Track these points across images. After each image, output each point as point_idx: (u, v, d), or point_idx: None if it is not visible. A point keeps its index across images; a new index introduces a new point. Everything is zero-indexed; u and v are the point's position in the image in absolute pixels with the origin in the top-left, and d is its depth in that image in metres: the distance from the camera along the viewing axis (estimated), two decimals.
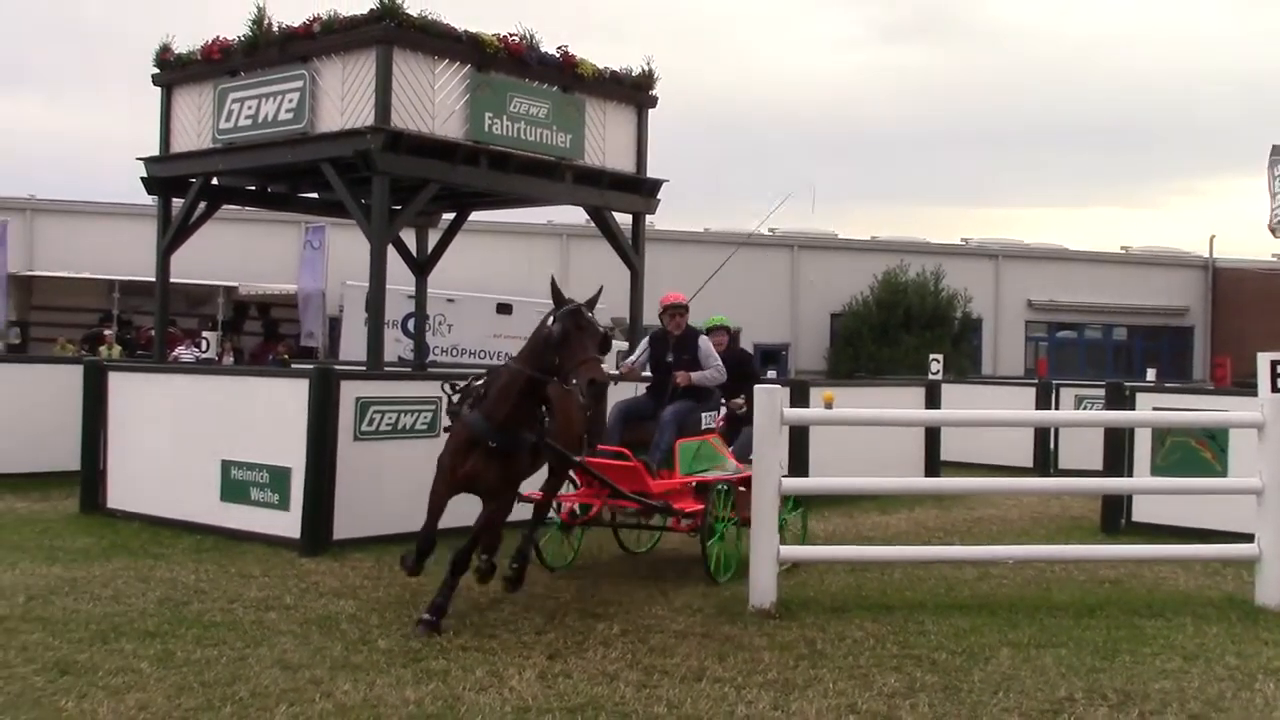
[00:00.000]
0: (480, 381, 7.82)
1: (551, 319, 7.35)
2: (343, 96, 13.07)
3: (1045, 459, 17.42)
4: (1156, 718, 5.86)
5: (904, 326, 34.31)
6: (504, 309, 28.62)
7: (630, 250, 15.20)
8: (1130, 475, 11.64)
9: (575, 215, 16.45)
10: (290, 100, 13.44)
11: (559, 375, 7.28)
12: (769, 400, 8.21)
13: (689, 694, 6.01)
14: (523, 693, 5.93)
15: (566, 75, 14.27)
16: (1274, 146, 42.22)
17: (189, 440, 10.96)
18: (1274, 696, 6.23)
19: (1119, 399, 12.08)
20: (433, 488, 7.61)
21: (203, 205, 15.47)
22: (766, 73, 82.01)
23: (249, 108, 13.84)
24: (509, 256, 32.70)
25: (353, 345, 24.89)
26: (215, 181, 15.33)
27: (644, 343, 9.87)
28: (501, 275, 30.72)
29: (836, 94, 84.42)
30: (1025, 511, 13.47)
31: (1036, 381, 19.43)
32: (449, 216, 17.66)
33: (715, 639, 7.17)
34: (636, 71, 15.20)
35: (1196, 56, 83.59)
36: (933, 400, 14.69)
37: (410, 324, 19.69)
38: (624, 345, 16.20)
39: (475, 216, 18.58)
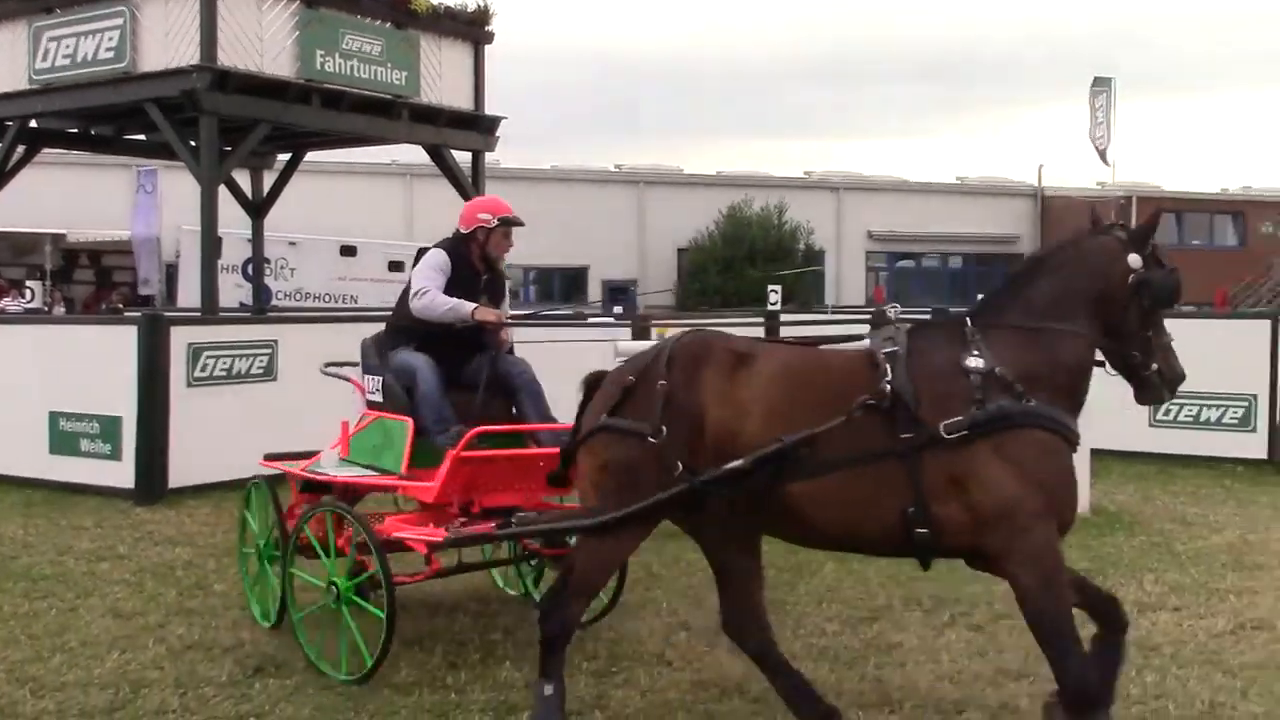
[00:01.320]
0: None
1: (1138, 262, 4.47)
2: (166, 33, 12.68)
3: None
4: (965, 618, 6.24)
5: (749, 260, 34.88)
6: (348, 251, 28.16)
7: (471, 189, 15.13)
8: None
9: (419, 154, 16.29)
10: (110, 38, 12.98)
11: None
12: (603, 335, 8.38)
13: (526, 619, 6.15)
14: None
15: (400, 11, 14.07)
16: (1095, 78, 43.90)
17: (14, 393, 10.62)
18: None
19: None
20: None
21: (21, 149, 14.88)
22: (611, 7, 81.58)
23: (67, 46, 13.32)
24: (352, 197, 32.12)
25: (191, 292, 24.24)
26: (34, 124, 14.75)
27: (434, 266, 6.16)
28: (345, 216, 30.20)
29: (680, 28, 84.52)
30: None
31: (873, 310, 20.02)
32: (284, 157, 17.30)
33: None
34: (472, 7, 15.07)
35: None
36: (771, 332, 15.02)
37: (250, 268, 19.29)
38: None
39: (315, 156, 18.24)
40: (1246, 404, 11.14)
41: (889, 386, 4.16)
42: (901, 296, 35.49)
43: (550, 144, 66.34)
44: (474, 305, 5.98)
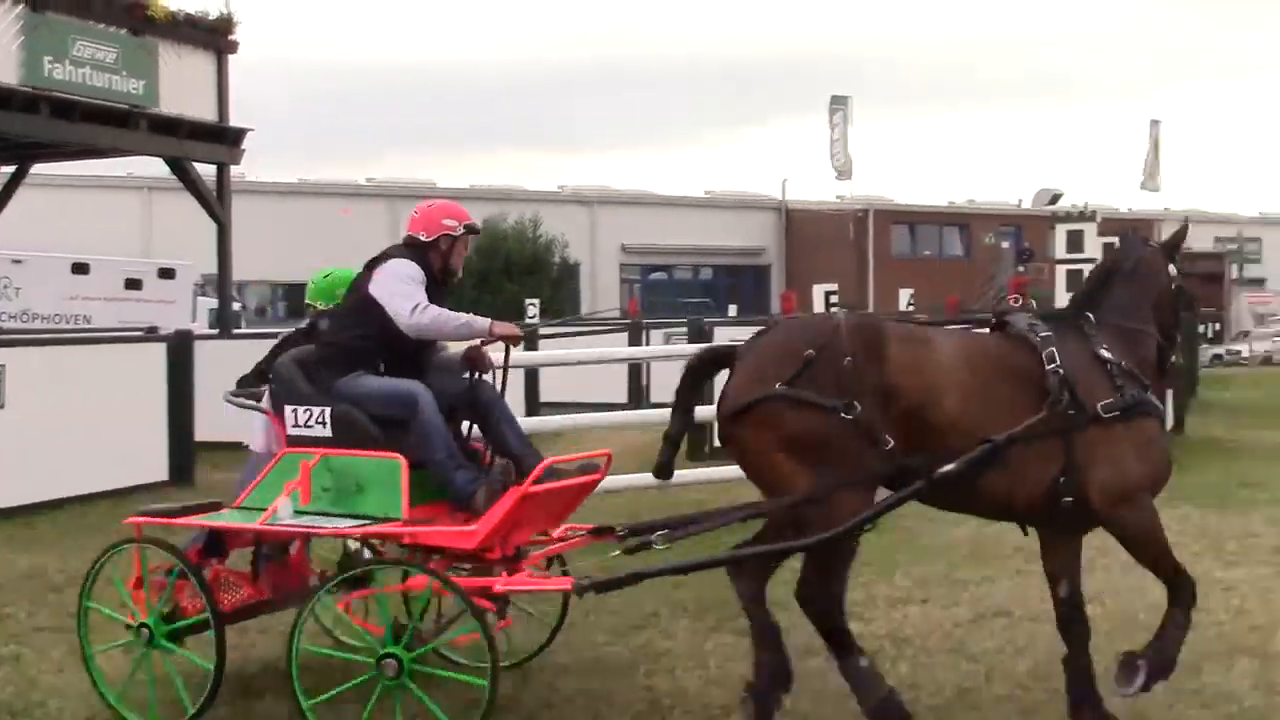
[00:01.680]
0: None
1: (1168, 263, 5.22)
2: None
3: (638, 394, 18.30)
4: (730, 623, 6.39)
5: (505, 274, 34.87)
6: (80, 269, 26.55)
7: (215, 203, 14.58)
8: (712, 404, 12.45)
9: (159, 166, 15.56)
10: None
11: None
12: None
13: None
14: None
15: (136, 17, 13.44)
16: (832, 96, 45.86)
17: None
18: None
19: (700, 334, 12.89)
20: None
21: None
22: (362, 20, 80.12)
23: None
24: (85, 212, 30.39)
25: None
26: None
27: (411, 277, 5.35)
28: (77, 232, 28.53)
29: (437, 41, 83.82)
30: (620, 444, 14.12)
31: (629, 321, 20.32)
32: (7, 170, 16.23)
33: None
34: (214, 15, 14.54)
35: (763, 9, 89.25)
36: (529, 344, 15.07)
37: None
38: (214, 303, 15.54)
39: (44, 169, 17.19)
40: None
41: (1061, 372, 4.65)
42: (658, 308, 36.11)
43: (299, 157, 64.61)
44: (488, 320, 5.36)
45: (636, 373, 18.56)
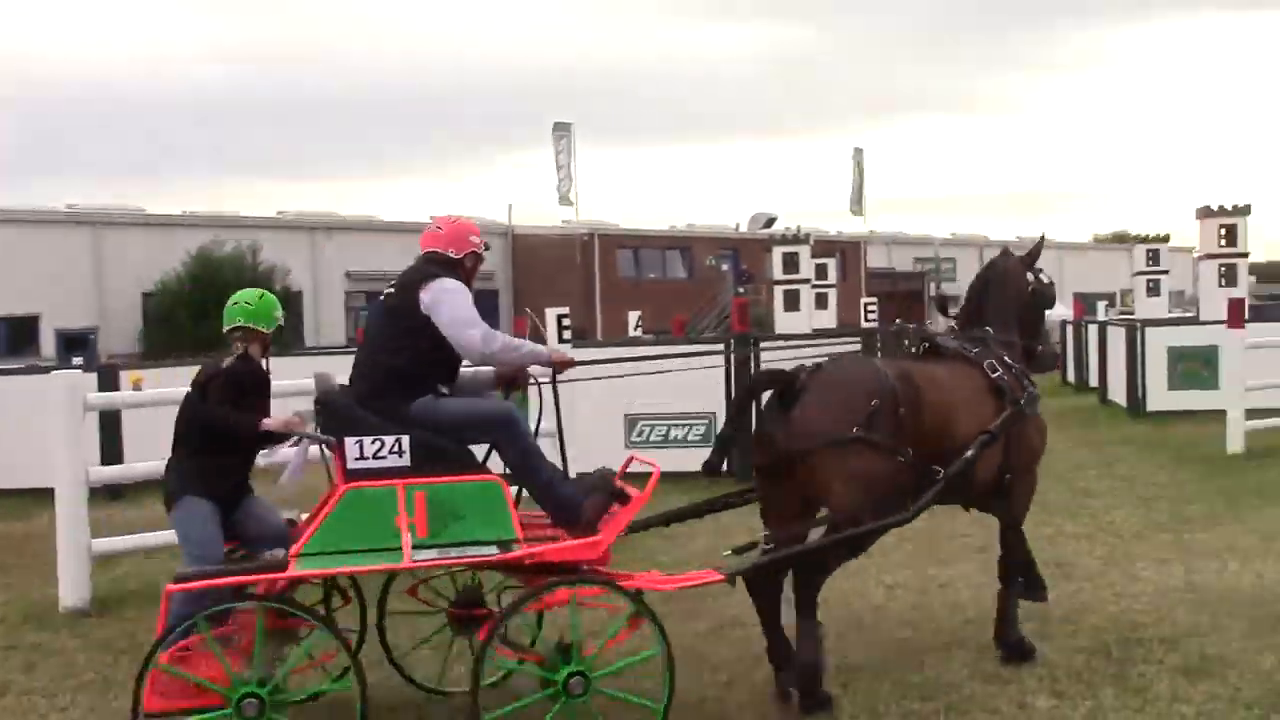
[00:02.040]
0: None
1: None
2: None
3: None
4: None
5: (221, 304, 33.49)
6: None
7: None
8: None
9: None
10: None
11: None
12: (67, 387, 7.68)
13: None
14: None
15: None
16: (555, 123, 46.38)
17: None
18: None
19: None
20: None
21: None
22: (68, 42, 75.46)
23: None
24: None
25: None
26: None
27: (470, 298, 5.25)
28: None
29: (139, 65, 79.78)
30: None
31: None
32: None
33: (21, 649, 6.62)
34: None
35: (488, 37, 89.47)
36: None
37: None
38: None
39: None
40: (707, 421, 12.20)
41: (1005, 379, 5.93)
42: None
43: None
44: (546, 347, 5.27)
45: None
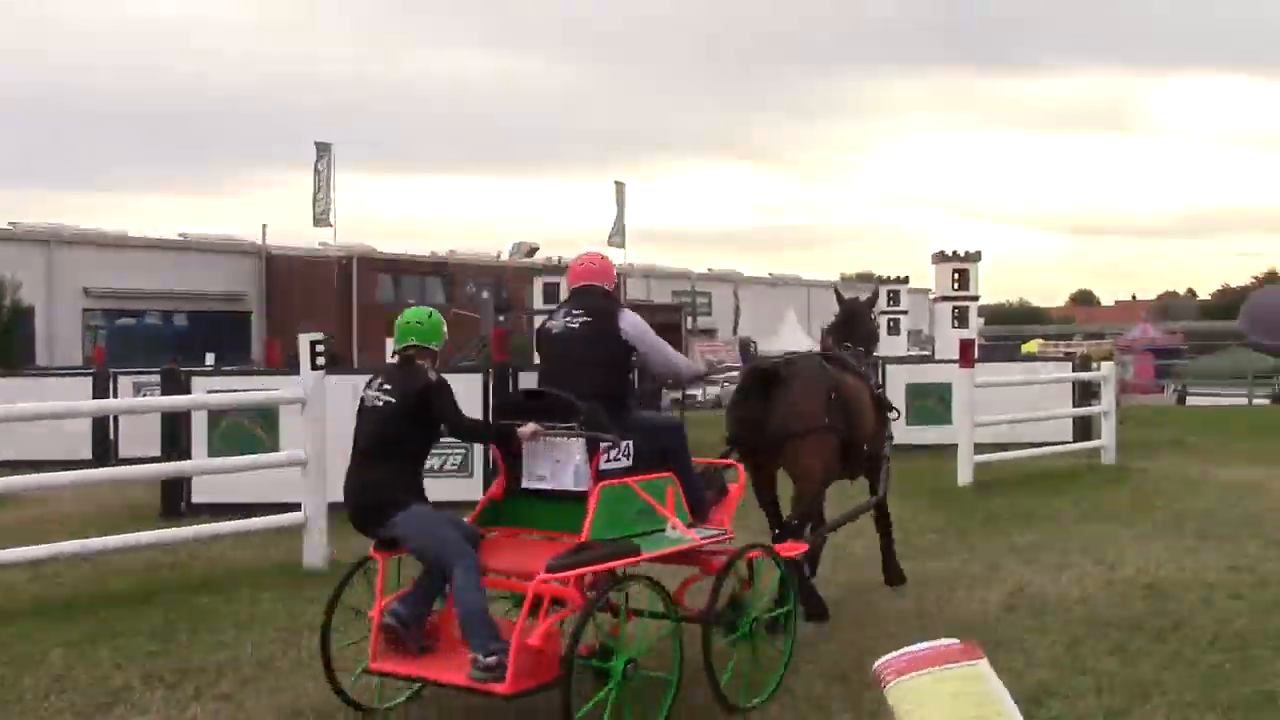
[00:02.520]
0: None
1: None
2: None
3: (105, 449, 16.97)
4: (212, 688, 6.06)
5: None
6: None
7: None
8: (189, 458, 11.80)
9: None
10: None
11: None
12: None
13: None
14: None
15: None
16: (316, 143, 45.32)
17: None
18: (317, 648, 6.76)
19: (175, 384, 12.18)
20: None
21: None
22: None
23: None
24: None
25: None
26: None
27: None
28: None
29: None
30: (85, 505, 13.00)
31: (93, 371, 18.83)
32: None
33: None
34: None
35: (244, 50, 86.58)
36: None
37: None
38: None
39: None
40: (464, 451, 12.10)
41: (881, 392, 8.41)
42: (127, 357, 33.76)
43: None
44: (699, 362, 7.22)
45: (103, 427, 17.23)
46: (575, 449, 5.68)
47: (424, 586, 5.74)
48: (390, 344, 21.28)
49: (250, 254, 43.93)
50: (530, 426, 5.70)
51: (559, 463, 5.74)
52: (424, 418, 5.72)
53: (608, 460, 5.66)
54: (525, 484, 5.88)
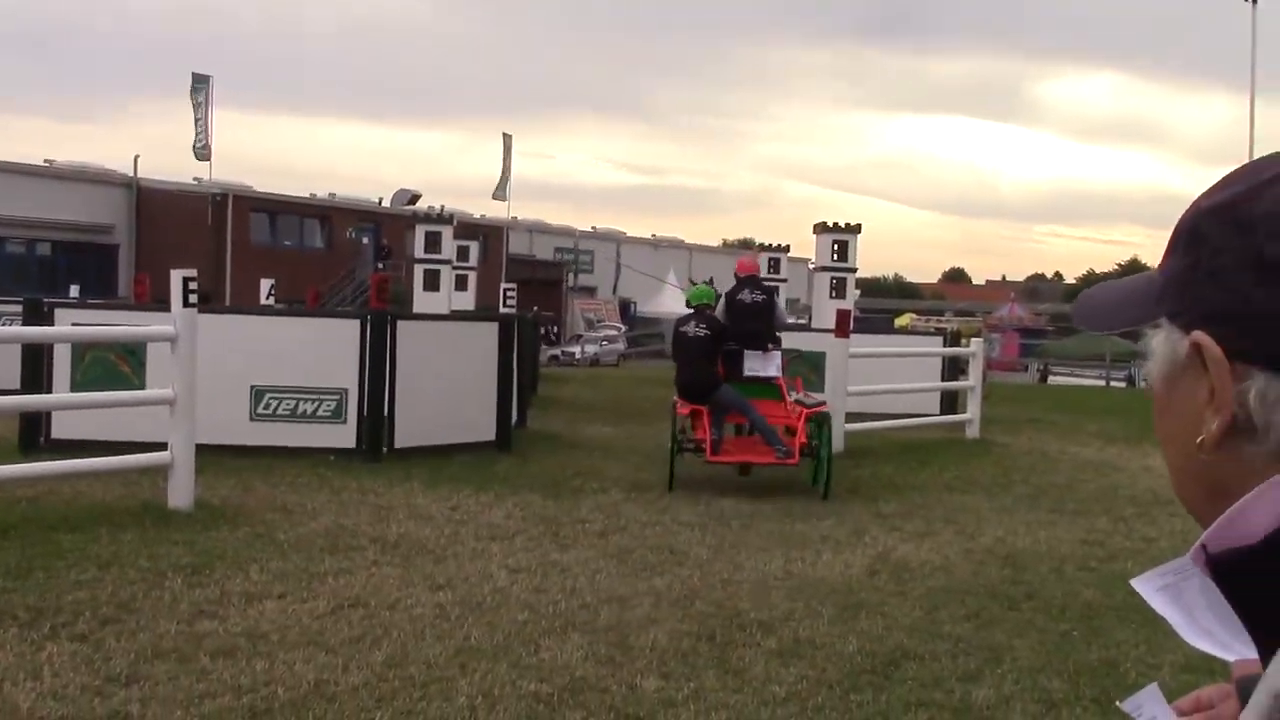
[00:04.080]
0: None
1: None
2: None
3: None
4: (68, 628, 5.90)
5: None
6: None
7: None
8: (50, 392, 11.42)
9: None
10: None
11: None
12: None
13: None
14: None
15: None
16: (194, 74, 43.92)
17: None
18: (180, 591, 6.65)
19: (37, 315, 11.75)
20: None
21: None
22: None
23: None
24: None
25: None
26: None
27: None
28: None
29: None
30: None
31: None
32: None
33: None
34: None
35: None
36: None
37: None
38: None
39: None
40: (338, 397, 11.94)
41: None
42: None
43: None
44: None
45: None
46: (775, 358, 11.67)
47: (718, 424, 11.13)
48: (265, 285, 20.79)
49: (121, 185, 42.43)
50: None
51: (766, 363, 11.52)
52: (718, 343, 11.20)
53: (780, 367, 11.76)
54: (746, 373, 11.34)
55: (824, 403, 11.68)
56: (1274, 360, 0.80)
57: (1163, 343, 0.89)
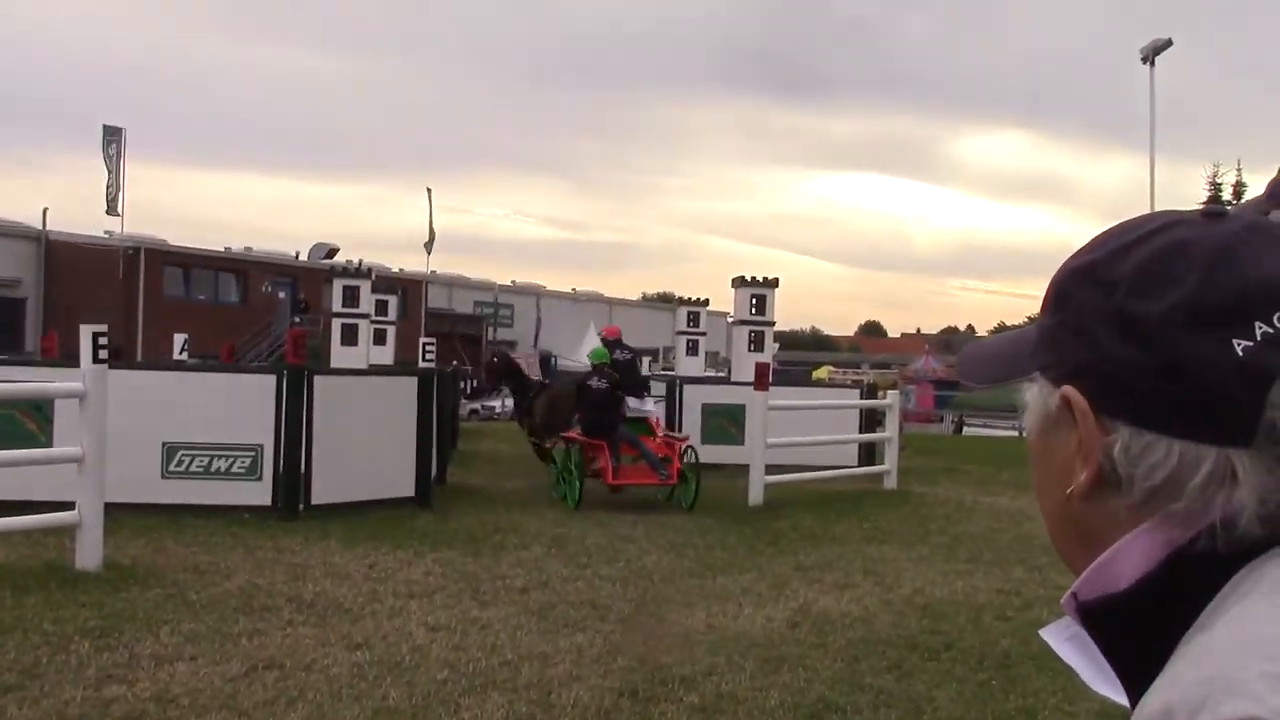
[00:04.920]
0: None
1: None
2: None
3: None
4: None
5: None
6: None
7: None
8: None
9: None
10: None
11: None
12: None
13: None
14: None
15: None
16: (105, 126, 43.31)
17: None
18: (87, 655, 6.45)
19: None
20: None
21: None
22: None
23: None
24: None
25: None
26: None
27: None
28: None
29: None
30: None
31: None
32: None
33: None
34: None
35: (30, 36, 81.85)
36: None
37: None
38: None
39: None
40: (254, 454, 11.73)
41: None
42: None
43: None
44: None
45: None
46: (649, 401, 15.13)
47: (616, 455, 13.49)
48: (179, 340, 20.64)
49: (29, 238, 41.56)
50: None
51: (643, 404, 14.62)
52: (615, 393, 13.82)
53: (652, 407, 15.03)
54: (630, 413, 14.08)
55: (688, 436, 15.12)
56: (1136, 414, 0.84)
57: (1036, 396, 0.92)
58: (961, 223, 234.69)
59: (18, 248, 41.11)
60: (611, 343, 15.45)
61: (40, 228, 41.98)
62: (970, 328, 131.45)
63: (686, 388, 18.51)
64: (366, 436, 12.29)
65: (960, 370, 1.05)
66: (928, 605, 8.57)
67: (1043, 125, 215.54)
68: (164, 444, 11.52)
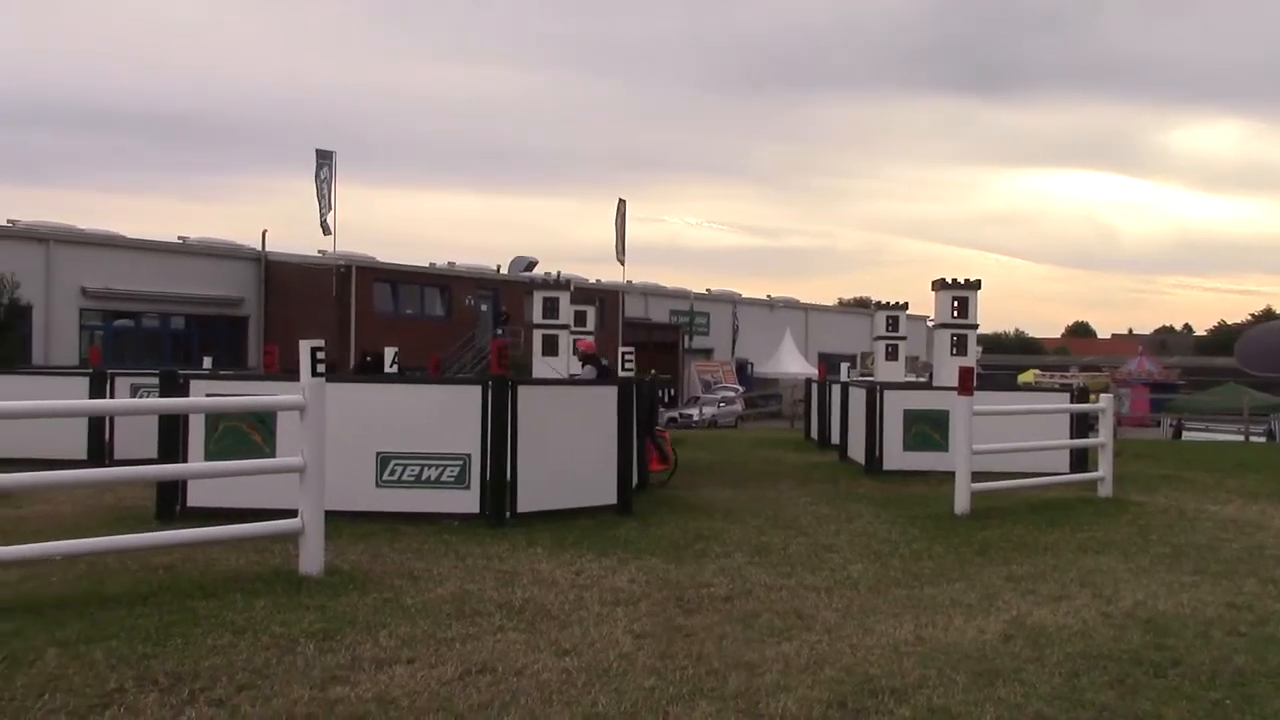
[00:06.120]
0: None
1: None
2: None
3: (99, 450, 16.92)
4: (206, 693, 6.01)
5: None
6: None
7: None
8: (185, 461, 11.76)
9: None
10: None
11: None
12: None
13: None
14: None
15: None
16: (317, 151, 45.32)
17: None
18: (312, 656, 6.73)
19: (173, 386, 12.14)
20: None
21: None
22: None
23: None
24: None
25: None
26: None
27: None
28: None
29: None
30: (78, 506, 12.96)
31: (90, 371, 18.77)
32: None
33: None
34: None
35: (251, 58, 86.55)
36: None
37: None
38: None
39: None
40: (462, 463, 12.06)
41: None
42: (123, 358, 33.69)
43: None
44: None
45: (99, 427, 17.17)
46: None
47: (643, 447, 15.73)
48: (389, 353, 21.64)
49: (249, 259, 43.89)
50: None
51: None
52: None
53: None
54: None
55: (666, 428, 17.54)
56: None
57: None
58: (1173, 217, 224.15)
59: (240, 269, 43.44)
60: (588, 356, 18.89)
61: (260, 249, 44.27)
62: (1187, 326, 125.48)
63: (887, 393, 18.20)
64: (568, 445, 12.50)
65: (1243, 358, 0.95)
66: (1151, 619, 8.18)
67: (1260, 112, 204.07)
68: (378, 454, 11.96)
